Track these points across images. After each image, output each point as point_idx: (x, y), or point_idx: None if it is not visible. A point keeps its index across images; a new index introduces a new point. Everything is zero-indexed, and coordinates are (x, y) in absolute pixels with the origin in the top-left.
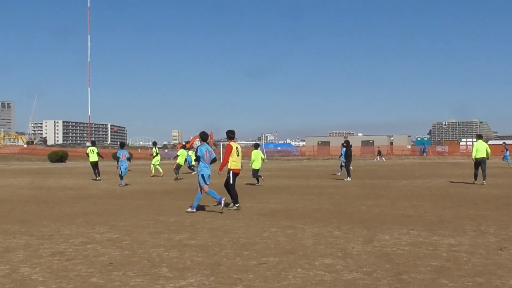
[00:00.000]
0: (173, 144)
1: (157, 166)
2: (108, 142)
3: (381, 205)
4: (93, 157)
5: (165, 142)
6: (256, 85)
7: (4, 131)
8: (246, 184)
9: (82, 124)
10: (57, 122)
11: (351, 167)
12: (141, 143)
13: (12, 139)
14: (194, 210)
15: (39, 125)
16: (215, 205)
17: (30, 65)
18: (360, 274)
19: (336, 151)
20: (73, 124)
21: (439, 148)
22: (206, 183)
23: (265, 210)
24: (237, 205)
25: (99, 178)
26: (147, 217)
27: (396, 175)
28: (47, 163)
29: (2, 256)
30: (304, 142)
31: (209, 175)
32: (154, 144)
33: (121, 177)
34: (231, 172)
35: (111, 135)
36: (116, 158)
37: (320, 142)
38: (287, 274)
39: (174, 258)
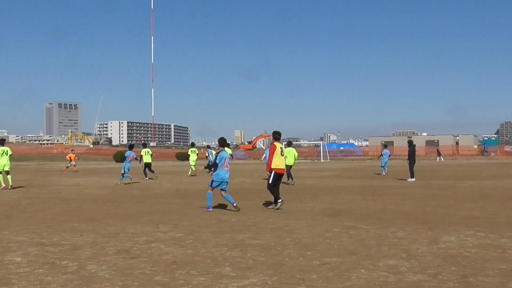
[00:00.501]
0: (236, 144)
1: (192, 166)
2: (171, 142)
3: (447, 206)
4: (147, 159)
5: (227, 142)
6: (319, 85)
7: (71, 132)
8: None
9: (146, 125)
10: (122, 122)
11: (414, 167)
12: (204, 143)
13: (79, 139)
14: (210, 209)
15: (105, 125)
16: (227, 208)
17: (96, 67)
18: (425, 276)
19: (400, 151)
20: (137, 124)
21: (507, 148)
22: (211, 186)
23: (328, 210)
24: (279, 201)
25: (147, 178)
26: (210, 216)
27: (462, 176)
28: (112, 163)
29: (71, 253)
30: (367, 142)
31: (223, 181)
32: (192, 144)
33: (122, 175)
34: (272, 172)
35: (174, 135)
36: (124, 158)
37: (383, 142)
38: (350, 275)
39: (236, 257)
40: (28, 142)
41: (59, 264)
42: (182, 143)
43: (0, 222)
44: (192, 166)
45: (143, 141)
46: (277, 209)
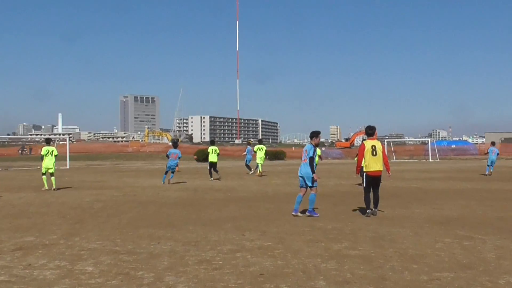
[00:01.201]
0: (331, 141)
1: (259, 165)
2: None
3: None
4: (212, 157)
5: (322, 139)
6: (427, 73)
7: (148, 128)
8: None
9: (230, 120)
10: (204, 117)
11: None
12: (295, 140)
13: (157, 136)
14: (298, 213)
15: (185, 121)
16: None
17: (176, 56)
18: None
19: None
20: (221, 119)
21: None
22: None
23: (437, 217)
24: (370, 209)
25: (212, 179)
26: (302, 223)
27: None
28: (193, 162)
29: (147, 263)
30: (484, 139)
31: (308, 176)
32: (260, 141)
33: (167, 172)
34: (364, 174)
35: (262, 131)
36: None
37: (503, 139)
38: None
39: (332, 270)
40: (101, 139)
41: (134, 275)
42: (270, 140)
43: (71, 227)
44: (259, 165)
45: (211, 139)
46: (371, 215)
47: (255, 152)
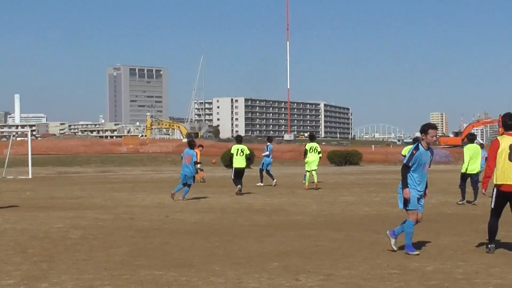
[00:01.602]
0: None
1: (313, 172)
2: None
3: None
4: (238, 162)
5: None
6: None
7: (152, 116)
8: None
9: (276, 104)
10: (236, 100)
11: None
12: (376, 135)
13: (164, 129)
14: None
15: (208, 105)
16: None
17: (189, 8)
18: None
19: None
20: (262, 104)
21: None
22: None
23: None
24: (489, 246)
25: (239, 189)
26: (388, 261)
27: None
28: (219, 168)
29: None
30: None
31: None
32: (311, 137)
33: (186, 185)
34: (494, 189)
35: (324, 121)
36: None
37: None
38: None
39: None
40: (80, 134)
41: None
42: (338, 134)
43: (35, 268)
44: (313, 172)
45: (237, 134)
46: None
47: (307, 152)
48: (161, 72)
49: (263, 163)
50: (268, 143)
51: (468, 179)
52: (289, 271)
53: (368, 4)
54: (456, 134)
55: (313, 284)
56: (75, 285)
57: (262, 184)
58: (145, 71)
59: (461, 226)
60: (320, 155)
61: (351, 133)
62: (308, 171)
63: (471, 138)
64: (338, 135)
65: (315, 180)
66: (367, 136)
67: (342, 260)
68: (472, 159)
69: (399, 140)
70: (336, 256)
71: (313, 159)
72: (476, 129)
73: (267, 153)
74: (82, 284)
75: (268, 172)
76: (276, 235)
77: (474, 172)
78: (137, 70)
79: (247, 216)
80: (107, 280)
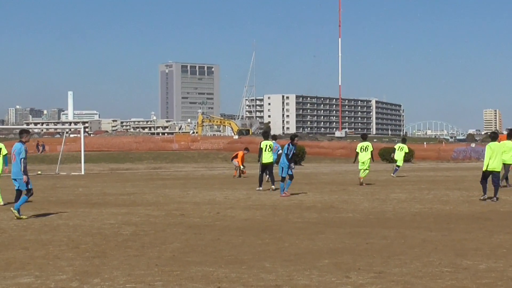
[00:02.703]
0: (486, 133)
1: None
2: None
3: None
4: (267, 157)
5: (471, 130)
6: None
7: (203, 114)
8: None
9: (327, 101)
10: (287, 97)
11: None
12: (428, 132)
13: (216, 125)
14: None
15: (259, 102)
16: None
17: (241, 7)
18: None
19: None
20: (313, 100)
21: None
22: None
23: None
24: None
25: (272, 187)
26: (440, 259)
27: None
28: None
29: None
30: None
31: None
32: (363, 137)
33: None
34: None
35: (376, 118)
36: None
37: None
38: None
39: None
40: (132, 130)
41: None
42: (390, 131)
43: (88, 263)
44: (365, 171)
45: (265, 129)
46: None
47: (358, 152)
48: (213, 69)
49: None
50: (273, 141)
51: (490, 176)
52: (340, 269)
53: (420, 0)
54: (510, 131)
55: (363, 282)
56: (126, 281)
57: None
58: (197, 68)
59: None
60: (371, 154)
61: (403, 130)
62: (361, 169)
63: (493, 136)
64: (389, 132)
65: (364, 176)
66: (419, 133)
67: (393, 258)
68: (492, 157)
69: (451, 137)
70: (387, 254)
71: (364, 159)
72: None
73: (280, 151)
74: (133, 280)
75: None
76: (326, 232)
77: (497, 169)
78: (188, 67)
79: (298, 213)
80: (158, 276)
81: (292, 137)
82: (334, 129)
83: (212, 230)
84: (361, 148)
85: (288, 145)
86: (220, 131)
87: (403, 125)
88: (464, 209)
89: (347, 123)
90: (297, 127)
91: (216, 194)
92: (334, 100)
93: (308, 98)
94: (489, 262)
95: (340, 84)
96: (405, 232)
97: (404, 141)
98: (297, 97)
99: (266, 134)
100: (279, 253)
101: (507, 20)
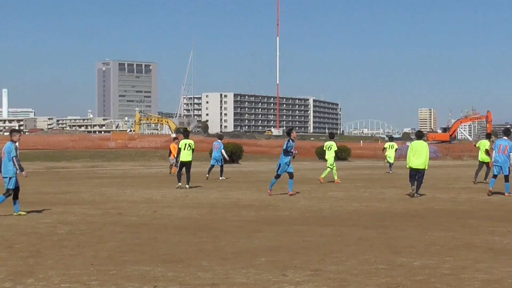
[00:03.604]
0: (420, 131)
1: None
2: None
3: None
4: (185, 155)
5: (406, 129)
6: None
7: (141, 112)
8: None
9: (265, 100)
10: (225, 96)
11: None
12: (365, 130)
13: (154, 124)
14: None
15: (197, 100)
16: None
17: (180, 5)
18: None
19: None
20: (251, 99)
21: None
22: None
23: None
24: None
25: (186, 186)
26: (375, 256)
27: None
28: (208, 163)
29: None
30: None
31: None
32: (331, 136)
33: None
34: None
35: (314, 117)
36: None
37: None
38: None
39: None
40: (68, 128)
41: None
42: (327, 129)
43: (22, 263)
44: (330, 169)
45: (184, 128)
46: None
47: (325, 151)
48: (151, 67)
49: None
50: (218, 139)
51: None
52: (277, 267)
53: (358, 0)
54: (444, 129)
55: (300, 280)
56: (61, 281)
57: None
58: (135, 66)
59: (448, 221)
60: (334, 153)
61: (340, 129)
62: (328, 167)
63: (418, 135)
64: (327, 131)
65: (323, 176)
66: (355, 132)
67: (329, 256)
68: (415, 155)
69: (387, 136)
70: (323, 252)
71: (329, 156)
72: (464, 125)
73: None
74: (69, 279)
75: (212, 167)
76: (264, 230)
77: (421, 167)
78: (126, 65)
79: (235, 211)
80: (94, 276)
81: (289, 131)
82: (272, 127)
83: (149, 229)
84: (326, 147)
85: (288, 141)
86: (157, 129)
87: (340, 124)
88: (399, 207)
89: (284, 122)
90: (235, 126)
91: (153, 193)
92: (272, 98)
93: (246, 97)
94: (423, 259)
95: (278, 82)
96: (341, 230)
97: (332, 136)
98: (235, 95)
99: (186, 133)
100: (216, 252)
101: (440, 20)
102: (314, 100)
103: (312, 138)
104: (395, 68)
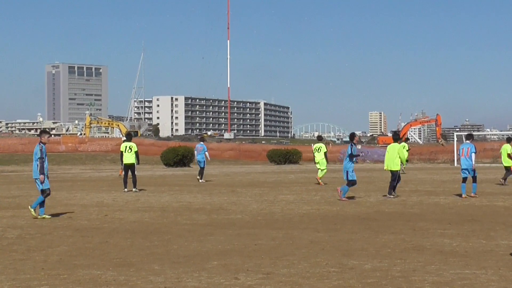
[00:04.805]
0: (371, 135)
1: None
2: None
3: None
4: (128, 158)
5: (358, 132)
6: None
7: (91, 115)
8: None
9: (216, 103)
10: (176, 99)
11: None
12: (315, 134)
13: (104, 127)
14: None
15: (148, 103)
16: None
17: (130, 6)
18: None
19: None
20: (202, 102)
21: None
22: None
23: None
24: None
25: (133, 189)
26: (327, 259)
27: None
28: (159, 167)
29: None
30: None
31: None
32: (319, 139)
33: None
34: None
35: (265, 120)
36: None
37: None
38: None
39: None
40: (17, 132)
41: None
42: (278, 133)
43: None
44: (322, 171)
45: (128, 132)
46: None
47: (314, 153)
48: (101, 70)
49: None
50: (201, 142)
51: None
52: (229, 270)
53: (307, 3)
54: (395, 133)
55: (252, 283)
56: (11, 286)
57: (200, 180)
58: (84, 69)
59: (399, 224)
60: (324, 155)
61: (291, 132)
62: (319, 169)
63: (395, 138)
64: (278, 134)
65: (319, 175)
66: (306, 135)
67: (281, 259)
68: (387, 157)
69: (338, 139)
70: (275, 255)
71: (318, 159)
72: (414, 128)
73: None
74: (18, 284)
75: (202, 168)
76: (215, 234)
77: (393, 169)
78: (76, 68)
79: (187, 215)
80: (44, 280)
81: (352, 136)
82: (223, 130)
83: (100, 233)
84: (315, 149)
85: (351, 145)
86: (108, 132)
87: (291, 127)
88: (350, 210)
89: (236, 125)
90: (186, 129)
91: (104, 196)
92: (223, 102)
93: (197, 100)
94: (374, 262)
95: (229, 86)
96: (293, 233)
97: (320, 138)
98: (186, 98)
99: (129, 135)
100: (168, 255)
101: (390, 23)
102: (265, 104)
103: (263, 142)
104: (346, 71)
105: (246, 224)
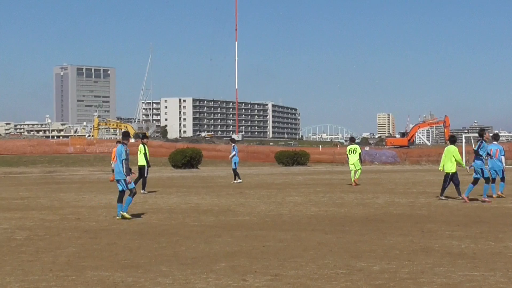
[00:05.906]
0: (379, 137)
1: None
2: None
3: None
4: (142, 160)
5: (365, 134)
6: None
7: (99, 117)
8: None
9: (224, 104)
10: (184, 100)
11: None
12: (323, 135)
13: (112, 129)
14: None
15: (156, 105)
16: None
17: (139, 8)
18: None
19: None
20: (210, 104)
21: None
22: None
23: None
24: None
25: (142, 191)
26: (335, 261)
27: None
28: (167, 168)
29: None
30: None
31: None
32: (351, 140)
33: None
34: None
35: (273, 121)
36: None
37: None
38: None
39: None
40: (26, 134)
41: None
42: (286, 134)
43: None
44: (355, 172)
45: (141, 134)
46: None
47: (348, 155)
48: (109, 72)
49: (234, 162)
50: (233, 144)
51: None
52: (236, 272)
53: (315, 5)
54: (403, 134)
55: (260, 285)
56: (20, 287)
57: (239, 181)
58: (93, 70)
59: (407, 226)
60: (359, 156)
61: (299, 134)
62: (352, 170)
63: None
64: (286, 136)
65: (357, 176)
66: (314, 137)
67: (289, 261)
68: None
69: (346, 141)
70: (283, 256)
71: (353, 160)
72: (422, 130)
73: (234, 153)
74: (27, 285)
75: (235, 170)
76: (223, 235)
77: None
78: (84, 70)
79: (195, 216)
80: (52, 282)
81: (481, 133)
82: (231, 132)
83: (108, 234)
84: (349, 150)
85: (481, 142)
86: (116, 134)
87: (299, 129)
88: (358, 212)
89: (243, 127)
90: (194, 130)
91: (112, 198)
92: (231, 103)
93: (205, 102)
94: (382, 264)
95: (236, 87)
96: (301, 234)
97: (353, 139)
98: (194, 100)
99: (144, 136)
100: (176, 257)
101: (398, 25)
102: (273, 105)
103: (271, 143)
104: (354, 73)
105: (254, 226)
